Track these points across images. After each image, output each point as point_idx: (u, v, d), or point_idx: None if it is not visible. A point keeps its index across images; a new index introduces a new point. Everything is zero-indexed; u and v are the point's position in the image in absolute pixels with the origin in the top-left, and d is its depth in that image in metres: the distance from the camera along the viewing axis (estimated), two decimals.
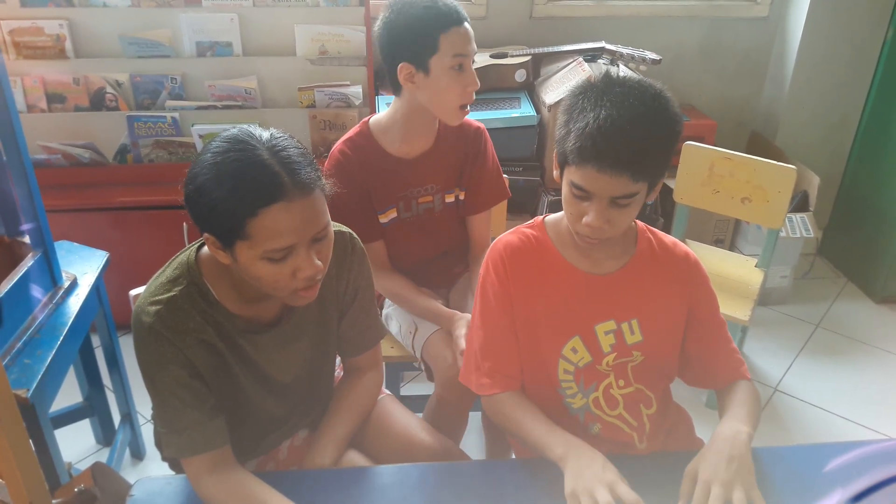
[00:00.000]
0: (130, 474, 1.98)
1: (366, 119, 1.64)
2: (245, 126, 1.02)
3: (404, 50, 1.48)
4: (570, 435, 1.11)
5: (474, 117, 1.73)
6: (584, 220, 1.08)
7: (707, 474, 1.02)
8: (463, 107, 1.54)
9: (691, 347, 1.25)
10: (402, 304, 1.72)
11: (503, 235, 1.25)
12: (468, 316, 1.53)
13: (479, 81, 1.54)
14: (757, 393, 1.23)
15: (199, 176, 0.97)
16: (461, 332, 1.49)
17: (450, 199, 1.70)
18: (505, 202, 1.85)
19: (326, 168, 1.59)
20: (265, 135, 1.00)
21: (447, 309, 1.62)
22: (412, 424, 1.35)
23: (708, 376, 1.27)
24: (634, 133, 1.01)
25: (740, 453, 1.04)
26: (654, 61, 2.49)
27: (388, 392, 1.43)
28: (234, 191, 0.95)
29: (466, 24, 1.49)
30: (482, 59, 2.61)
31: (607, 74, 1.09)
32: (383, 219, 1.65)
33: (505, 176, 1.78)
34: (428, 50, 1.46)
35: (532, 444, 1.15)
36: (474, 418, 1.72)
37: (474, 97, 1.55)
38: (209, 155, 0.98)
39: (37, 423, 1.42)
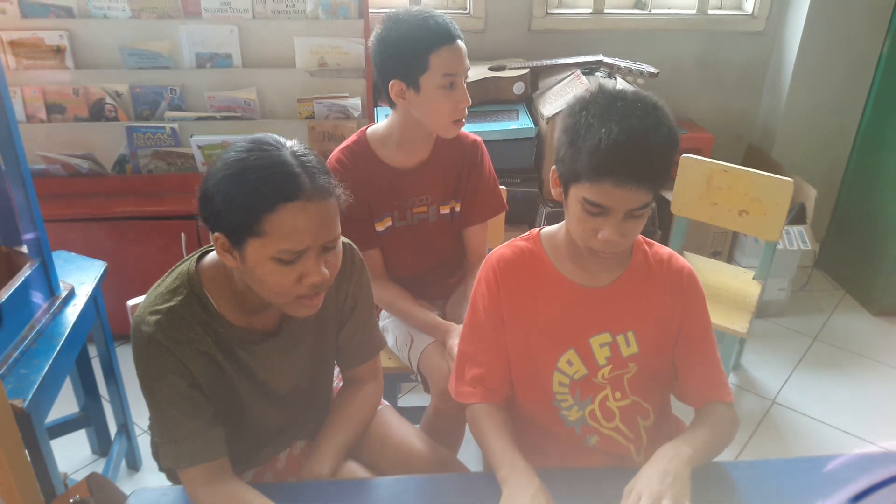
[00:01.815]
0: (126, 485, 1.97)
1: (363, 128, 1.65)
2: (268, 133, 1.05)
3: (395, 67, 1.48)
4: (519, 459, 1.11)
5: (473, 129, 1.74)
6: (599, 235, 1.07)
7: (639, 488, 1.03)
8: (456, 121, 1.55)
9: (676, 361, 1.24)
10: (397, 314, 1.72)
11: (497, 248, 1.25)
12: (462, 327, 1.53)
13: (470, 98, 1.54)
14: (732, 419, 1.20)
15: (220, 171, 0.99)
16: (455, 342, 1.49)
17: (445, 210, 1.70)
18: (503, 214, 1.86)
19: None
20: (288, 142, 1.04)
21: (442, 320, 1.62)
22: (410, 435, 1.35)
23: (687, 392, 1.25)
24: (648, 145, 1.02)
25: (675, 469, 1.04)
26: (651, 74, 2.51)
27: (386, 403, 1.43)
28: (256, 185, 0.97)
29: (459, 42, 1.48)
30: (481, 72, 2.62)
31: (603, 88, 1.09)
32: (379, 227, 1.66)
33: (502, 187, 1.78)
34: (419, 69, 1.46)
35: (488, 460, 1.15)
36: None
37: (466, 112, 1.55)
38: (233, 153, 1.00)
39: (32, 433, 1.41)
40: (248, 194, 0.97)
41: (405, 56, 1.46)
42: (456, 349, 1.46)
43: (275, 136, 1.04)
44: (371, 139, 1.62)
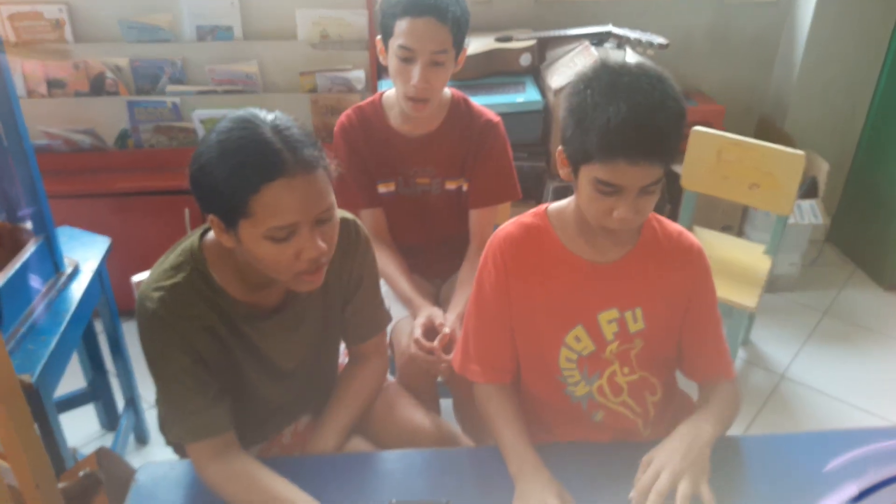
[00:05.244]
0: (135, 459, 1.99)
1: (382, 91, 1.67)
2: (251, 108, 1.02)
3: (380, 24, 1.51)
4: (529, 452, 1.12)
5: (478, 102, 1.69)
6: (615, 214, 1.06)
7: (659, 462, 1.04)
8: (407, 98, 1.50)
9: (682, 337, 1.25)
10: (386, 279, 1.68)
11: (503, 226, 1.23)
12: (434, 310, 1.54)
13: (430, 83, 1.46)
14: (737, 395, 1.22)
15: (203, 155, 0.98)
16: (419, 321, 1.51)
17: (451, 186, 1.68)
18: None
19: (334, 132, 1.65)
20: (269, 116, 1.01)
21: (418, 298, 1.60)
22: (415, 411, 1.35)
23: (692, 368, 1.27)
24: (657, 120, 1.00)
25: (698, 447, 1.06)
26: (661, 45, 2.46)
27: (392, 379, 1.43)
28: (237, 167, 0.95)
29: (429, 18, 1.42)
30: (487, 43, 2.58)
31: (605, 64, 1.06)
32: (382, 188, 1.66)
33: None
34: (387, 32, 1.48)
35: (499, 447, 1.16)
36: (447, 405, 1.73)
37: (426, 96, 1.49)
38: (214, 135, 0.99)
39: (41, 407, 1.42)
40: (231, 178, 0.96)
41: (383, 16, 1.49)
42: (419, 329, 1.49)
43: (255, 111, 1.01)
44: (385, 102, 1.64)
